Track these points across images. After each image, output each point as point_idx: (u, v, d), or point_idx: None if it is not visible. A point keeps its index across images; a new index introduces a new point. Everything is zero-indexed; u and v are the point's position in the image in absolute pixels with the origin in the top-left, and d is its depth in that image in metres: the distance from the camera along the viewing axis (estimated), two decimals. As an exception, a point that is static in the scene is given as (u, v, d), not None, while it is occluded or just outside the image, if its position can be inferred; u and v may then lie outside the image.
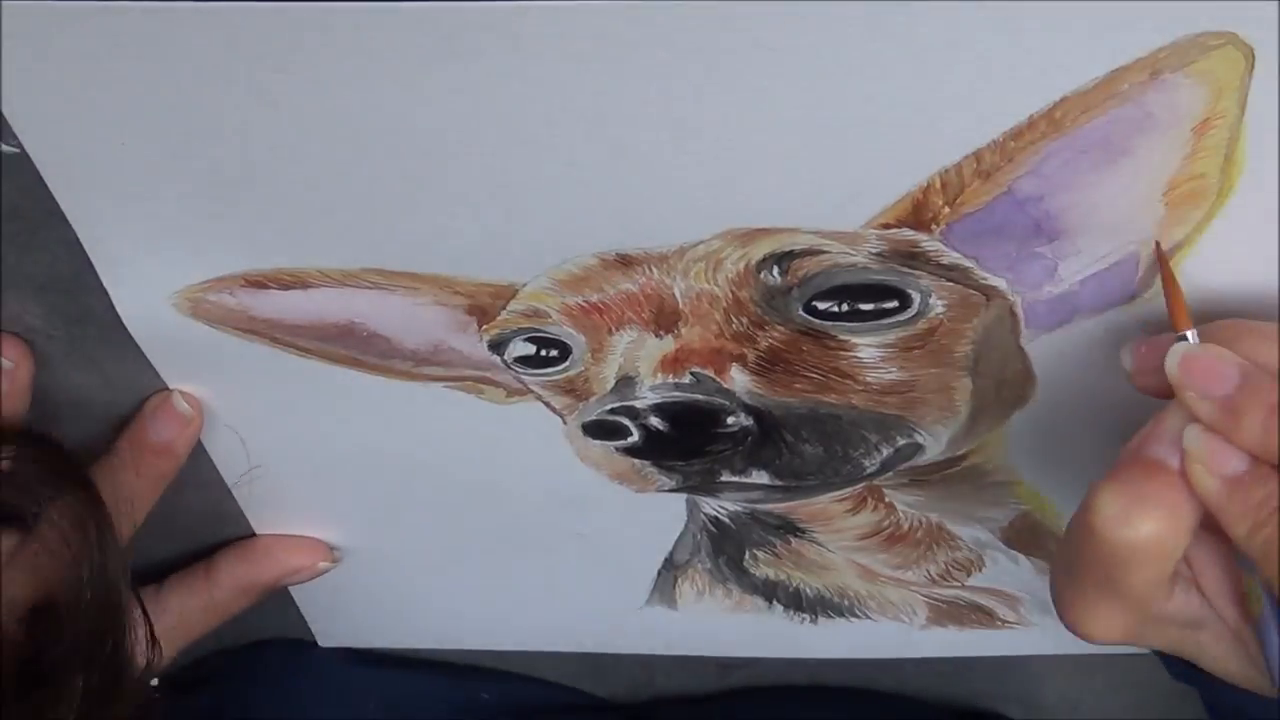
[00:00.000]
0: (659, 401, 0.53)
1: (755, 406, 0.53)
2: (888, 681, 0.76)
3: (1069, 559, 0.47)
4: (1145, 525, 0.44)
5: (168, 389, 0.56)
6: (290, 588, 0.68)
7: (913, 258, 0.47)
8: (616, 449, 0.56)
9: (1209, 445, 0.44)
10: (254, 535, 0.65)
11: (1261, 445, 0.43)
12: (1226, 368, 0.44)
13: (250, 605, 0.65)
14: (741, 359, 0.51)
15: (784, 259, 0.47)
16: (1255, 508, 0.43)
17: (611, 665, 0.75)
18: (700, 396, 0.52)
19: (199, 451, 0.59)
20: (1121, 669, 0.71)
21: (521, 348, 0.52)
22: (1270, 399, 0.43)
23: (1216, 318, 0.46)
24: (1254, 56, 0.40)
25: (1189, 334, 0.45)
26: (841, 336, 0.50)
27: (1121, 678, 0.72)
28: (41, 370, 0.55)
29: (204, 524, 0.64)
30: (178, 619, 0.63)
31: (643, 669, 0.75)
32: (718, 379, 0.52)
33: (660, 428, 0.53)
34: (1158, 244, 0.46)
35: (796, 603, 0.67)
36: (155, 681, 0.58)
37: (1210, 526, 0.45)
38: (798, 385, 0.52)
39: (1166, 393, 0.46)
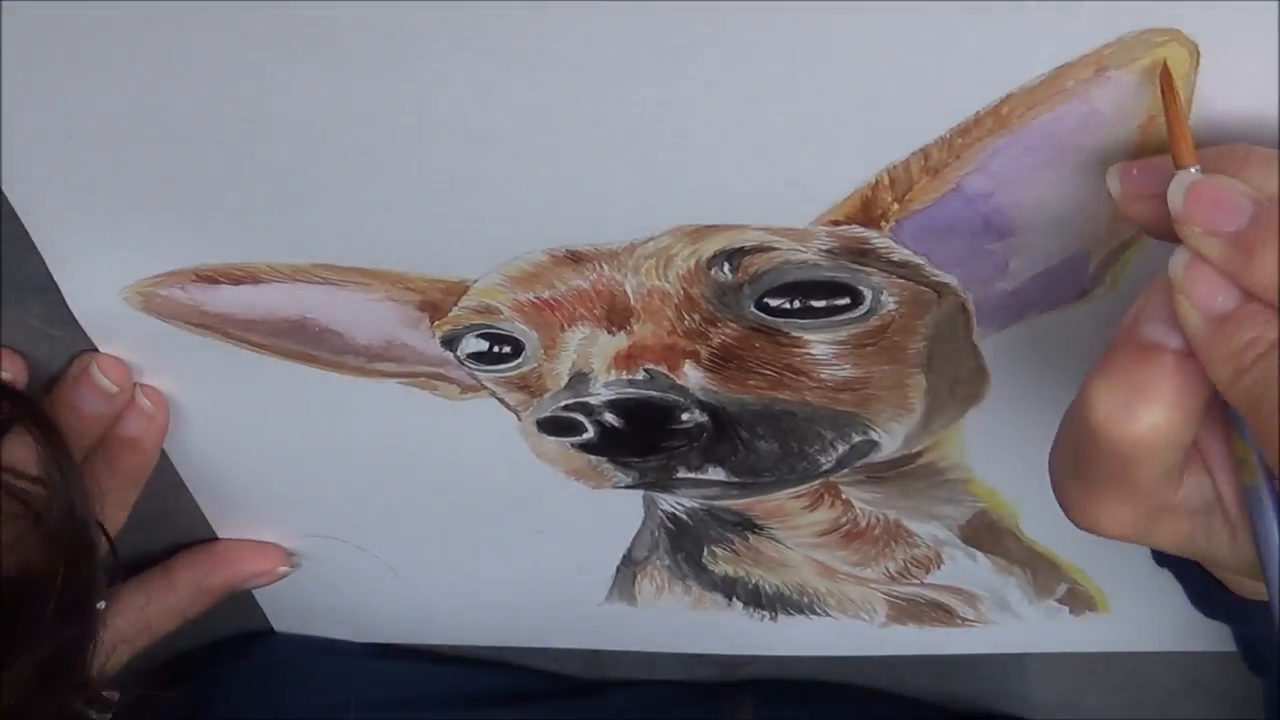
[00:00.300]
0: (613, 398, 0.52)
1: (710, 403, 0.53)
2: (887, 681, 0.76)
3: (1068, 456, 0.44)
4: (1147, 417, 0.40)
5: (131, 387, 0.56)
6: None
7: (863, 254, 0.47)
8: (572, 445, 0.56)
9: (1196, 276, 0.39)
10: (213, 538, 0.65)
11: (1268, 287, 0.38)
12: (1238, 199, 0.39)
13: (207, 608, 0.65)
14: (695, 355, 0.51)
15: (734, 256, 0.47)
16: (1241, 350, 0.39)
17: (610, 664, 0.75)
18: (654, 393, 0.52)
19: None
20: (1121, 669, 0.71)
21: (474, 344, 0.52)
22: (1264, 332, 0.38)
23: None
24: (1199, 53, 0.39)
25: (1192, 170, 0.40)
26: (794, 333, 0.50)
27: (1122, 678, 0.72)
28: (41, 370, 0.55)
29: (162, 521, 0.63)
30: (135, 621, 0.63)
31: (642, 668, 0.75)
32: (671, 375, 0.52)
33: (615, 424, 0.53)
34: (1165, 65, 0.40)
35: (756, 600, 0.67)
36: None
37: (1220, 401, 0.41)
38: (751, 382, 0.52)
39: (1155, 226, 0.41)
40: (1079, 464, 0.43)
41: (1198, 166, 0.40)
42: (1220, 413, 0.43)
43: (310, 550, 0.66)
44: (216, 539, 0.65)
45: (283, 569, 0.65)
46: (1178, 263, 0.40)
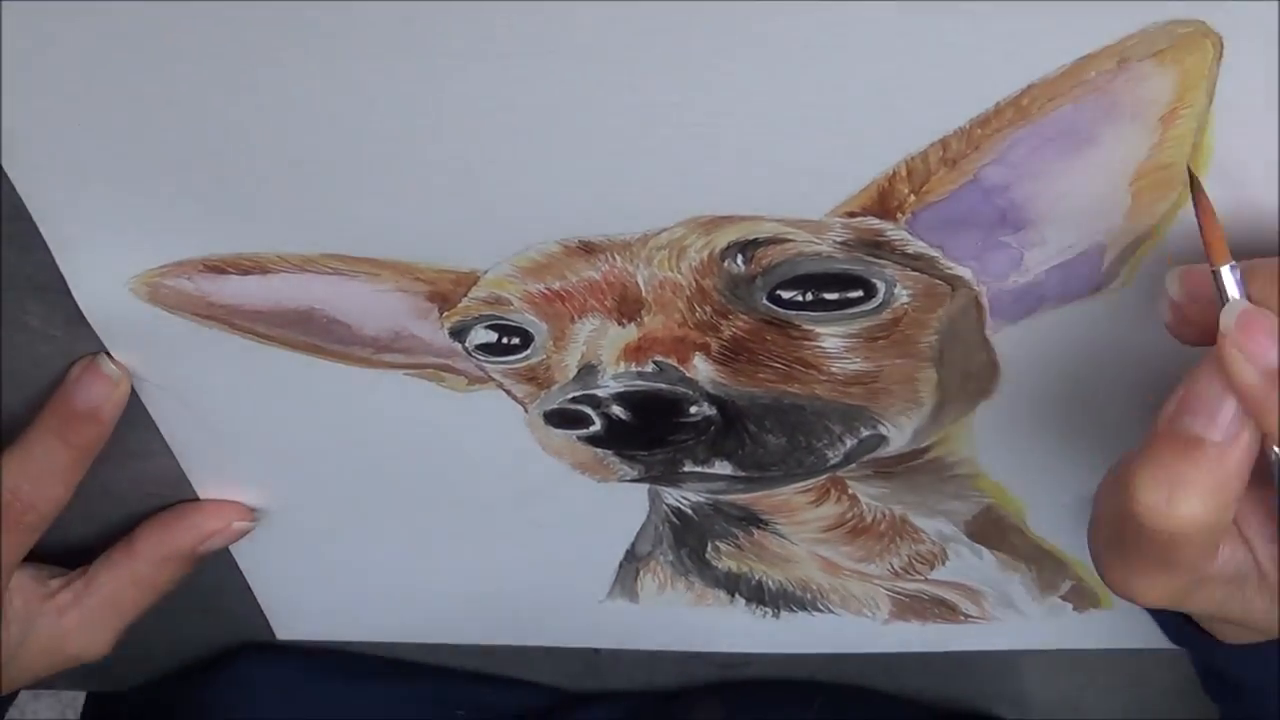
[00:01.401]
0: (621, 390, 0.52)
1: (718, 396, 0.52)
2: (886, 682, 0.76)
3: (1108, 531, 0.45)
4: (1188, 508, 0.42)
5: (94, 354, 0.55)
6: (249, 580, 0.67)
7: (878, 247, 0.47)
8: (578, 438, 0.55)
9: (1251, 330, 0.41)
10: (169, 506, 0.63)
11: None
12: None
13: (178, 575, 0.63)
14: (705, 348, 0.51)
15: (748, 247, 0.47)
16: None
17: (610, 665, 0.75)
18: (663, 385, 0.52)
19: (153, 435, 0.58)
20: (1121, 669, 0.71)
21: (483, 335, 0.52)
22: None
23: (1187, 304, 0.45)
24: (1222, 45, 0.39)
25: (1226, 268, 0.42)
26: (806, 326, 0.50)
27: (1121, 678, 0.72)
28: (41, 370, 0.55)
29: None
30: (107, 597, 0.62)
31: (641, 669, 0.75)
32: (681, 368, 0.52)
33: (622, 417, 0.53)
34: (1189, 170, 0.43)
35: (759, 596, 0.66)
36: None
37: (1254, 471, 0.43)
38: (761, 375, 0.52)
39: (1198, 334, 0.43)
40: (1120, 541, 0.45)
41: (1232, 265, 0.42)
42: (1256, 482, 0.44)
43: (310, 542, 0.65)
44: (175, 503, 0.63)
45: (239, 524, 0.63)
46: (1230, 316, 0.41)
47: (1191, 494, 0.42)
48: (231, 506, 0.63)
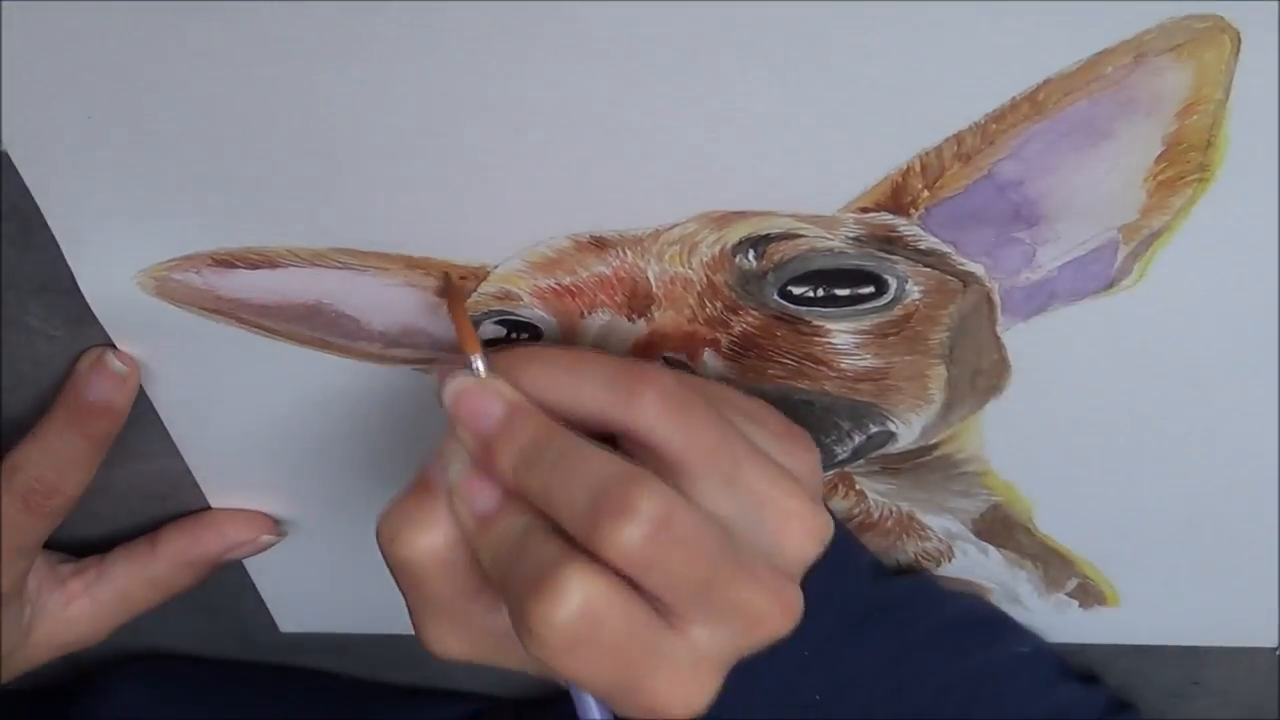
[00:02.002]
0: None
1: None
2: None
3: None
4: (418, 542, 0.46)
5: (100, 346, 0.55)
6: (250, 571, 0.67)
7: (890, 242, 0.47)
8: (586, 434, 0.55)
9: (466, 481, 0.45)
10: (196, 511, 0.64)
11: (512, 483, 0.44)
12: (492, 404, 0.45)
13: (194, 581, 0.64)
14: (714, 344, 0.51)
15: (760, 242, 0.47)
16: (497, 543, 0.44)
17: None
18: None
19: (154, 433, 0.58)
20: (1121, 668, 0.71)
21: (492, 330, 0.52)
22: (523, 437, 0.44)
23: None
24: (1240, 40, 0.39)
25: (476, 357, 0.46)
26: (816, 322, 0.50)
27: (1121, 678, 0.72)
28: (41, 370, 0.54)
29: (163, 505, 0.63)
30: (119, 591, 0.62)
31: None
32: (690, 364, 0.51)
33: None
34: (447, 275, 0.48)
35: (765, 592, 0.66)
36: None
37: None
38: (771, 371, 0.52)
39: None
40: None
41: (481, 354, 0.46)
42: None
43: (313, 534, 0.65)
44: (202, 510, 0.64)
45: (267, 537, 0.64)
46: (447, 394, 0.45)
47: (415, 529, 0.46)
48: (259, 519, 0.64)
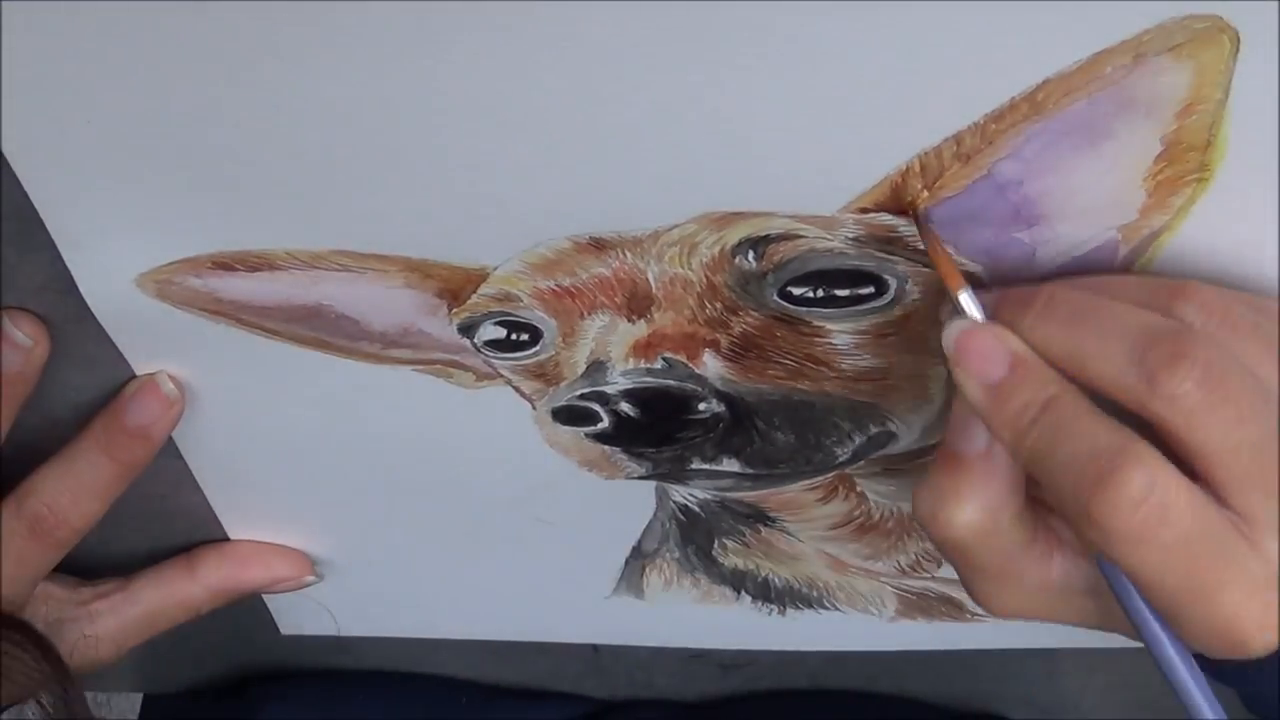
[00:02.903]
0: (630, 387, 0.52)
1: (727, 393, 0.52)
2: (888, 682, 0.76)
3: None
4: (957, 518, 0.45)
5: (151, 372, 0.55)
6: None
7: (890, 243, 0.47)
8: (586, 435, 0.55)
9: (968, 347, 0.44)
10: (238, 540, 0.65)
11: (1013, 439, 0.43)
12: (994, 353, 0.44)
13: (226, 604, 0.65)
14: (714, 345, 0.51)
15: (759, 243, 0.47)
16: (1016, 414, 0.43)
17: (610, 665, 0.75)
18: (672, 382, 0.52)
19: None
20: (1121, 668, 0.71)
21: (492, 331, 0.52)
22: (1021, 398, 0.43)
23: None
24: (1239, 40, 0.39)
25: (963, 294, 0.45)
26: (816, 323, 0.50)
27: (1123, 676, 0.72)
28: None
29: (163, 503, 0.63)
30: (148, 612, 0.63)
31: (641, 670, 0.75)
32: (690, 365, 0.51)
33: (631, 414, 0.53)
34: (916, 213, 0.45)
35: (765, 593, 0.66)
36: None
37: None
38: (771, 372, 0.52)
39: None
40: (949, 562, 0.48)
41: (968, 291, 0.44)
42: None
43: (315, 537, 0.65)
44: (242, 540, 0.65)
45: (309, 578, 0.65)
46: (950, 338, 0.44)
47: (955, 503, 0.45)
48: (301, 558, 0.65)
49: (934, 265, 0.45)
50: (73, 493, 0.55)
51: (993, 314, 0.45)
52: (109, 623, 0.62)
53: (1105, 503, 0.40)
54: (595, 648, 0.74)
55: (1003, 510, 0.45)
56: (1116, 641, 0.66)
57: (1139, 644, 0.45)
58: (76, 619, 0.61)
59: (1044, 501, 0.47)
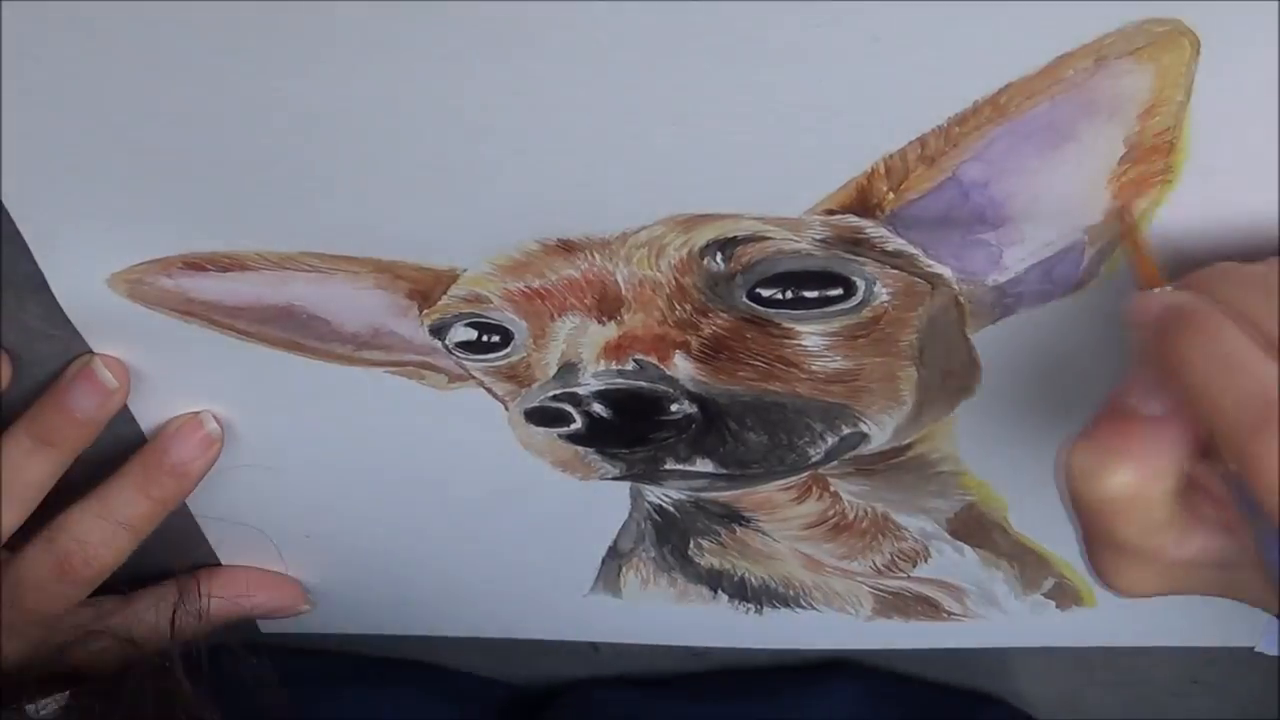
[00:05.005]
0: (602, 388, 0.52)
1: (699, 394, 0.52)
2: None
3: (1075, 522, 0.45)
4: (1116, 477, 0.42)
5: (196, 411, 0.56)
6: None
7: (857, 244, 0.47)
8: (559, 436, 0.55)
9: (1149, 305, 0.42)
10: (235, 567, 0.66)
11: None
12: (1174, 305, 0.41)
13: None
14: (685, 346, 0.51)
15: (727, 245, 0.47)
16: (1188, 342, 0.40)
17: (610, 661, 0.75)
18: (643, 383, 0.52)
19: (137, 433, 0.58)
20: (1120, 666, 0.71)
21: (463, 333, 0.52)
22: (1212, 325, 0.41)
23: None
24: (1199, 43, 0.39)
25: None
26: (786, 324, 0.50)
27: (1119, 675, 0.72)
28: (41, 370, 0.55)
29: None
30: (149, 630, 0.63)
31: (643, 665, 0.75)
32: (661, 366, 0.52)
33: (603, 415, 0.53)
34: (1123, 207, 0.44)
35: (742, 593, 0.66)
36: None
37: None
38: (742, 373, 0.52)
39: None
40: (1081, 528, 0.44)
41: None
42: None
43: (291, 537, 0.65)
44: (239, 566, 0.66)
45: (304, 607, 0.66)
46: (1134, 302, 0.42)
47: (1118, 460, 0.42)
48: (295, 587, 0.66)
49: (1132, 266, 0.44)
50: (103, 530, 0.56)
51: None
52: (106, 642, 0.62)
53: (1263, 445, 0.39)
54: (595, 646, 0.74)
55: (1160, 481, 0.42)
56: (1117, 641, 0.67)
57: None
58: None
59: (1194, 481, 0.44)
